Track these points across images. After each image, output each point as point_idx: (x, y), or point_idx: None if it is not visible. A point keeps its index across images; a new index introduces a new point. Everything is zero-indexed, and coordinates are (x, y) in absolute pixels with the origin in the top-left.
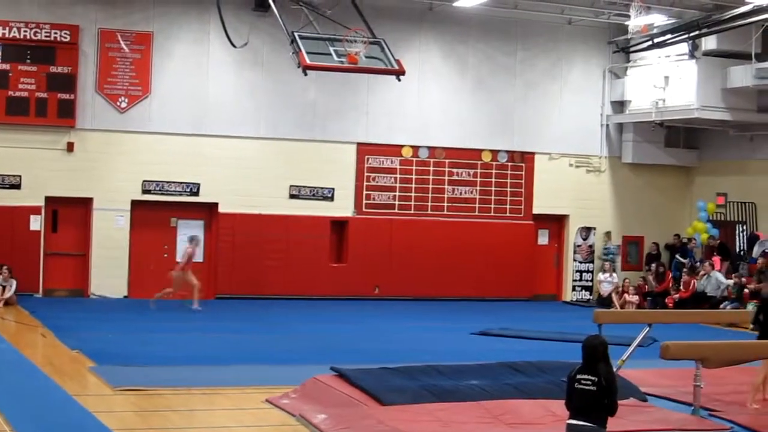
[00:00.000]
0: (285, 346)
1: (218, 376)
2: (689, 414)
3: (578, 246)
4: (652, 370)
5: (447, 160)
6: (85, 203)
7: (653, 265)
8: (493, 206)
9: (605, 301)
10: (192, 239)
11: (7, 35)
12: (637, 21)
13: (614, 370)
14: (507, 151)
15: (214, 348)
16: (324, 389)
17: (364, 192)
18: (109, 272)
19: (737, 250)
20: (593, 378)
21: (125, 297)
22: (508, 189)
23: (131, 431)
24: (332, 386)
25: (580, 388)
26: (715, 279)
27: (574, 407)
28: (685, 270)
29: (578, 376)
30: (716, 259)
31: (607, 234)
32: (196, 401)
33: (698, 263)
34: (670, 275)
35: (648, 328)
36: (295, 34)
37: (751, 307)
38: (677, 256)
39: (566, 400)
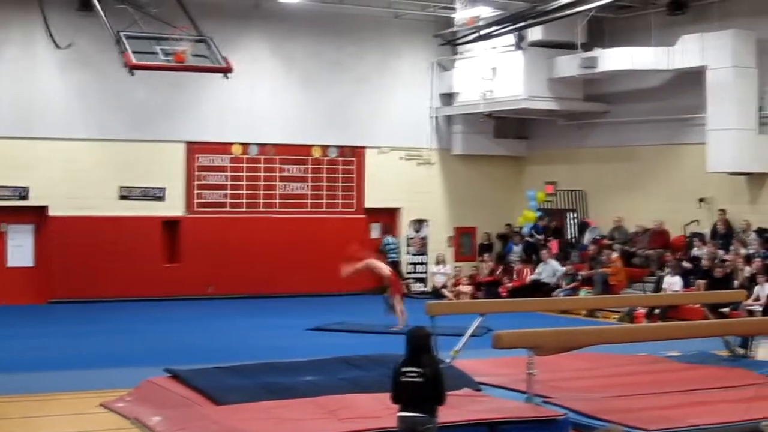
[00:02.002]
0: (120, 349)
1: (52, 382)
2: (523, 402)
3: (411, 238)
4: (486, 360)
5: (277, 157)
6: None
7: (485, 255)
8: (324, 201)
9: (440, 293)
10: None
11: None
12: (463, 13)
13: (449, 361)
14: (337, 146)
15: (47, 353)
16: (159, 391)
17: (195, 191)
18: None
19: (569, 237)
20: (419, 369)
21: None
22: (340, 184)
23: None
24: (167, 388)
25: (407, 381)
26: (551, 266)
27: (403, 400)
28: (516, 259)
29: (403, 369)
30: (554, 243)
31: (386, 228)
32: (30, 408)
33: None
34: (500, 266)
35: (481, 318)
36: (121, 33)
37: (583, 294)
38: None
39: (392, 394)
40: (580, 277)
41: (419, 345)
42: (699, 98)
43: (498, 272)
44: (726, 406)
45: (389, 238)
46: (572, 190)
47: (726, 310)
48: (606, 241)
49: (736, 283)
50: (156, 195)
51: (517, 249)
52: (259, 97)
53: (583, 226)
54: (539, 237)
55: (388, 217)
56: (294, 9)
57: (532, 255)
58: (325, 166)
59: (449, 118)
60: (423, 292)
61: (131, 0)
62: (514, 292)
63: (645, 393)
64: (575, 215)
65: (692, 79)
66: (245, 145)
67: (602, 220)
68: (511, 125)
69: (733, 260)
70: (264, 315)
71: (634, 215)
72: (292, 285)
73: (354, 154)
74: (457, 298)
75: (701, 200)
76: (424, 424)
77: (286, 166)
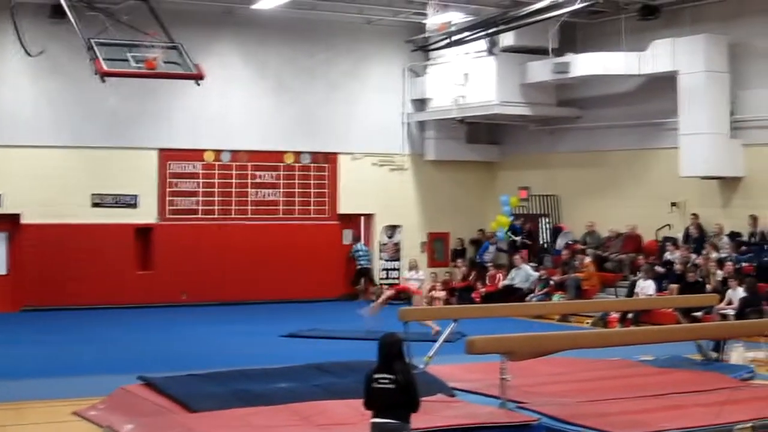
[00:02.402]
0: (93, 357)
1: (25, 390)
2: (497, 407)
3: (384, 244)
4: (460, 365)
5: (250, 164)
6: None
7: (459, 261)
8: (297, 208)
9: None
10: None
11: None
12: (434, 19)
13: (422, 367)
14: (310, 153)
15: (20, 361)
16: (132, 399)
17: (168, 198)
18: None
19: (542, 242)
20: (391, 376)
21: None
22: (312, 190)
23: None
24: (140, 395)
25: (379, 387)
26: (525, 271)
27: (376, 406)
28: (490, 264)
29: (375, 376)
30: (524, 252)
31: (355, 235)
32: (3, 417)
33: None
34: (473, 271)
35: (454, 324)
36: (92, 40)
37: (556, 298)
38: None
39: (365, 400)
40: (553, 282)
41: (391, 351)
42: (671, 103)
43: (471, 277)
44: (699, 410)
45: (359, 245)
46: (545, 195)
47: (699, 314)
48: (579, 246)
49: (708, 287)
50: (129, 202)
51: (492, 249)
52: (232, 104)
53: (556, 231)
54: (516, 238)
55: (354, 223)
56: (266, 15)
57: (514, 254)
58: (297, 173)
59: (422, 124)
60: (396, 298)
61: (103, 7)
62: (487, 298)
63: (618, 397)
64: (548, 220)
65: (664, 84)
66: (218, 152)
67: (575, 224)
68: (483, 131)
69: (705, 264)
70: (237, 322)
71: (607, 220)
72: (265, 292)
73: (327, 160)
74: (430, 304)
75: (674, 204)
76: (398, 431)
77: (258, 173)
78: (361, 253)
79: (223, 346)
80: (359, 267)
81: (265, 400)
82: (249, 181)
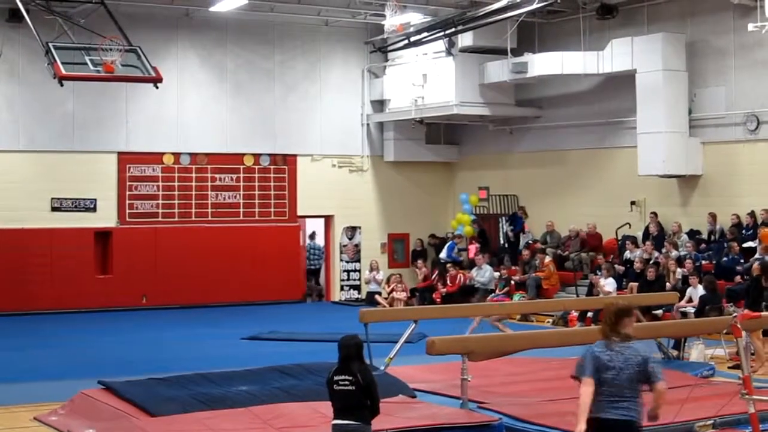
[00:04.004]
0: (53, 362)
1: None
2: (458, 408)
3: (344, 246)
4: (421, 366)
5: (209, 166)
6: None
7: (419, 261)
8: (257, 210)
9: (374, 300)
10: None
11: None
12: (392, 20)
13: (383, 368)
14: (269, 155)
15: None
16: (92, 404)
17: (127, 201)
18: None
19: (501, 242)
20: (350, 377)
21: None
22: (272, 192)
23: None
24: (100, 400)
25: (340, 389)
26: (485, 271)
27: (337, 408)
28: (449, 264)
29: (335, 378)
30: (472, 247)
31: (311, 235)
32: None
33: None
34: (436, 271)
35: (414, 325)
36: (50, 44)
37: (517, 298)
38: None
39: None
40: (513, 282)
41: (349, 353)
42: (630, 102)
43: (434, 277)
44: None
45: (313, 243)
46: (504, 195)
47: (659, 312)
48: (539, 245)
49: (668, 285)
50: (88, 206)
51: (457, 248)
52: (190, 107)
53: (513, 218)
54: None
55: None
56: (223, 18)
57: (485, 243)
58: (257, 175)
59: (381, 125)
60: (357, 299)
61: (60, 11)
62: (448, 298)
63: (579, 396)
64: (508, 220)
65: (623, 83)
66: (177, 155)
67: (535, 224)
68: (442, 131)
69: (664, 262)
70: (198, 325)
71: (566, 219)
72: (226, 294)
73: (286, 162)
74: (391, 304)
75: (633, 203)
76: None
77: (218, 176)
78: (315, 252)
79: (183, 349)
80: (309, 267)
81: (225, 404)
82: (209, 183)
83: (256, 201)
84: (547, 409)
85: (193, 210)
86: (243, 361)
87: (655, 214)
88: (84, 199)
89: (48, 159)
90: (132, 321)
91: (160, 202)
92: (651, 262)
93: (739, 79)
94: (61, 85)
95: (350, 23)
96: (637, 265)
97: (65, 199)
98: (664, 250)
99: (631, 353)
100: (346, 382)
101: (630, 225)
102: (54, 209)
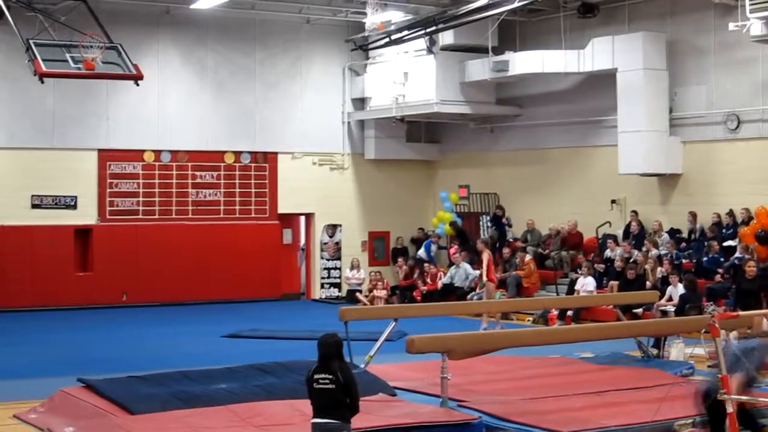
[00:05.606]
0: (32, 359)
1: None
2: (438, 406)
3: (325, 243)
4: (401, 364)
5: (190, 164)
6: None
7: (400, 259)
8: (238, 208)
9: (355, 298)
10: None
11: None
12: (373, 18)
13: (363, 366)
14: (250, 152)
15: None
16: (72, 401)
17: (108, 198)
18: None
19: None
20: (330, 376)
21: None
22: (253, 190)
23: None
24: (80, 398)
25: (319, 388)
26: (464, 270)
27: (317, 406)
28: (426, 263)
29: (315, 376)
30: (453, 247)
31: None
32: None
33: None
34: (417, 270)
35: (394, 323)
36: (30, 41)
37: (497, 296)
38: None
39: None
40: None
41: (329, 351)
42: (610, 100)
43: (416, 275)
44: (639, 406)
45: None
46: (485, 193)
47: (639, 310)
48: (519, 244)
49: (648, 284)
50: (68, 203)
51: (434, 247)
52: (171, 104)
53: (495, 219)
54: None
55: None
56: (204, 15)
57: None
58: (238, 173)
59: (362, 123)
60: (337, 297)
61: (41, 8)
62: (428, 296)
63: (558, 395)
64: (488, 218)
65: (603, 82)
66: (157, 152)
67: (515, 222)
68: (423, 129)
69: (643, 261)
70: (178, 322)
71: (547, 217)
72: (206, 292)
73: (267, 159)
74: (371, 303)
75: (613, 202)
76: (338, 430)
77: (198, 173)
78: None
79: (163, 347)
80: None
81: (205, 402)
82: (189, 181)
83: (237, 199)
84: (527, 408)
85: (174, 207)
86: (223, 359)
87: (635, 212)
88: (64, 197)
89: (28, 156)
90: (112, 318)
91: (141, 199)
92: (631, 260)
93: (719, 78)
94: (42, 82)
95: (331, 21)
96: (618, 264)
97: (45, 196)
98: (644, 249)
99: None
100: (326, 381)
101: (610, 223)
102: (34, 206)
